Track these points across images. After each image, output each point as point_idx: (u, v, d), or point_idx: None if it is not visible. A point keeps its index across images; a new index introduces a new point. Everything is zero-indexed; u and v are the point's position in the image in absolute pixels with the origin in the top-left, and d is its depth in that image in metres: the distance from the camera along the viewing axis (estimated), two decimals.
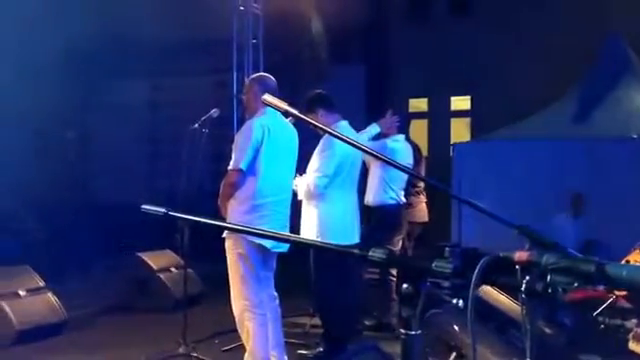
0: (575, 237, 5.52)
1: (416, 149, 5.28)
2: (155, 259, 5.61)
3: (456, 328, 2.73)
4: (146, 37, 8.98)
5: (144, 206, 1.39)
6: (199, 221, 1.39)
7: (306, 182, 3.83)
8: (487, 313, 2.94)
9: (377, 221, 4.64)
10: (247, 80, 3.86)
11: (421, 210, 5.36)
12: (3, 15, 6.39)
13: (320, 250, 3.67)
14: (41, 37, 7.18)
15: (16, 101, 6.70)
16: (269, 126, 3.41)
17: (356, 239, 3.98)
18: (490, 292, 3.17)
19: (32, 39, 7.10)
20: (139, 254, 5.61)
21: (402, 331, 1.21)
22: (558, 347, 2.67)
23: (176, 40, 8.99)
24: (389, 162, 1.50)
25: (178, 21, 8.53)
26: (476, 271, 1.10)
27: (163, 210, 1.37)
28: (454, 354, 2.73)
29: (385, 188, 4.63)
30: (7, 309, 4.37)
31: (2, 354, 4.21)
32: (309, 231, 3.82)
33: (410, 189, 5.12)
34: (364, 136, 4.39)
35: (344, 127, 3.98)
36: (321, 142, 3.91)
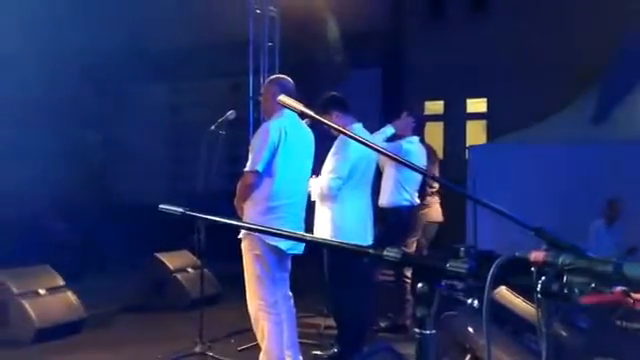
0: (609, 243, 5.44)
1: (430, 151, 5.28)
2: (172, 259, 5.68)
3: (471, 330, 2.72)
4: (165, 41, 9.10)
5: (162, 205, 1.41)
6: (216, 220, 1.41)
7: (320, 184, 3.84)
8: (503, 316, 2.92)
9: (391, 223, 4.63)
10: (265, 82, 3.89)
11: (436, 210, 5.37)
12: (29, 23, 6.54)
13: (334, 250, 3.68)
14: (64, 43, 7.31)
15: (41, 105, 6.84)
16: (286, 128, 3.43)
17: (369, 240, 3.98)
18: (506, 295, 3.15)
19: (56, 45, 7.24)
20: (157, 254, 5.68)
21: (417, 330, 1.21)
22: (574, 350, 2.65)
23: (194, 44, 9.10)
24: (404, 163, 1.51)
25: (196, 25, 8.62)
26: (492, 270, 1.10)
27: (180, 210, 1.39)
28: (469, 356, 2.72)
29: (399, 189, 4.63)
30: (27, 307, 4.44)
31: (22, 351, 4.29)
32: (323, 232, 3.84)
33: (426, 189, 5.14)
34: (379, 137, 4.39)
35: (358, 129, 3.99)
36: (335, 144, 3.93)
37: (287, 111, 3.47)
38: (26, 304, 4.46)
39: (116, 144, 10.32)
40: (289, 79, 3.69)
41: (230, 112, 4.22)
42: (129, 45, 8.48)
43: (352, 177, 3.86)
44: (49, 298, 4.62)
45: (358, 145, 3.78)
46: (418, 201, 4.84)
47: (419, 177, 4.78)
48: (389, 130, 4.49)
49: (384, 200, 4.69)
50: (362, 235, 3.89)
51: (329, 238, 3.75)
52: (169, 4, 8.42)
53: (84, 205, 8.20)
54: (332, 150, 3.92)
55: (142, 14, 8.52)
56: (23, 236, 6.67)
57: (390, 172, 4.66)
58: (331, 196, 3.83)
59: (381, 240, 4.18)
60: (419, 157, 4.73)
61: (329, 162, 3.89)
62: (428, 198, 5.23)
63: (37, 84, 6.93)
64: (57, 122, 7.45)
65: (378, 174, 4.78)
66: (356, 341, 3.92)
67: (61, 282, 4.77)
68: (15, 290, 4.50)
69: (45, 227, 7.30)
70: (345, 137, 3.82)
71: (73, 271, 5.25)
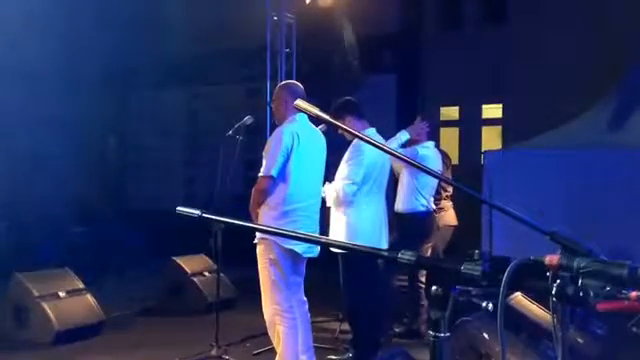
0: None
1: (444, 156, 5.31)
2: (189, 263, 5.73)
3: (486, 336, 2.71)
4: (183, 47, 9.21)
5: (179, 208, 1.43)
6: (232, 223, 1.43)
7: (334, 189, 3.86)
8: (519, 323, 2.91)
9: (407, 228, 4.63)
10: (276, 88, 3.92)
11: (451, 214, 5.42)
12: (49, 29, 6.67)
13: (349, 255, 3.70)
14: (84, 49, 7.44)
15: (60, 110, 6.96)
16: (298, 133, 3.46)
17: (384, 245, 3.98)
18: (522, 301, 3.13)
19: (75, 51, 7.37)
20: (174, 258, 5.74)
21: (431, 333, 1.22)
22: (591, 357, 2.63)
23: (212, 50, 9.21)
24: (421, 168, 1.52)
25: (213, 31, 8.73)
26: (507, 272, 1.11)
27: (197, 212, 1.41)
28: None
29: (416, 195, 4.63)
30: (47, 310, 4.51)
31: (42, 353, 4.35)
32: (338, 237, 3.85)
33: (441, 193, 5.16)
34: (394, 143, 4.39)
35: (372, 134, 3.99)
36: (349, 150, 3.94)
37: (299, 115, 3.51)
38: (46, 307, 4.52)
39: (134, 148, 10.47)
40: (299, 84, 3.72)
41: (247, 117, 4.27)
42: (148, 51, 8.61)
43: (366, 182, 3.86)
44: (69, 301, 4.68)
45: (372, 150, 3.81)
46: (434, 206, 4.84)
47: (435, 182, 4.77)
48: (404, 136, 4.49)
49: (400, 205, 4.69)
50: (377, 240, 3.90)
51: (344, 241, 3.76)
52: (187, 11, 8.54)
53: (103, 209, 8.32)
54: (346, 156, 3.94)
55: (161, 20, 8.65)
56: (43, 240, 6.79)
57: (406, 178, 4.66)
58: (346, 202, 3.84)
59: (397, 245, 4.18)
60: (435, 162, 4.73)
61: (343, 168, 3.91)
62: (443, 202, 5.27)
63: (56, 90, 7.06)
64: (76, 127, 7.58)
65: (394, 180, 4.79)
66: (371, 346, 3.92)
67: (81, 285, 4.83)
68: (35, 293, 4.56)
69: (64, 231, 7.41)
70: (359, 143, 3.84)
71: (92, 274, 5.32)
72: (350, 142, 3.95)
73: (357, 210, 3.85)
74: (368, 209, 3.89)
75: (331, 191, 3.87)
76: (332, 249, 3.45)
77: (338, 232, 3.87)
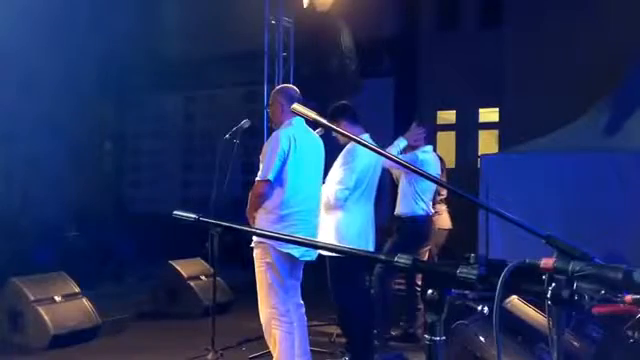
0: None
1: (440, 160, 5.33)
2: (186, 267, 5.72)
3: (482, 339, 2.71)
4: (180, 50, 9.22)
5: (176, 212, 1.42)
6: (228, 227, 1.43)
7: (326, 193, 3.86)
8: (515, 326, 2.92)
9: (406, 231, 4.64)
10: (272, 92, 3.92)
11: (446, 217, 5.44)
12: (43, 33, 6.67)
13: (336, 258, 3.70)
14: (80, 52, 7.44)
15: (55, 114, 6.95)
16: (295, 137, 3.46)
17: (371, 249, 3.99)
18: (518, 305, 3.14)
19: (71, 54, 7.37)
20: (171, 262, 5.73)
21: (426, 337, 1.23)
22: None
23: (209, 53, 9.22)
24: (422, 174, 1.53)
25: (211, 35, 8.74)
26: (502, 276, 1.11)
27: (194, 216, 1.41)
28: None
29: (416, 199, 4.65)
30: (43, 314, 4.49)
31: (37, 358, 4.34)
32: (327, 240, 3.84)
33: (436, 196, 5.19)
34: (393, 150, 4.40)
35: (366, 140, 3.98)
36: (342, 154, 3.94)
37: (296, 119, 3.51)
38: (42, 311, 4.50)
39: (131, 152, 10.47)
40: (295, 88, 3.73)
41: (244, 121, 4.27)
42: (144, 54, 8.62)
43: (358, 187, 3.87)
44: (64, 305, 4.66)
45: (365, 156, 3.82)
46: (433, 211, 4.87)
47: (434, 187, 4.80)
48: (402, 142, 4.51)
49: (400, 209, 4.70)
50: (364, 245, 3.89)
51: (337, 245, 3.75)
52: (185, 14, 8.55)
53: (99, 213, 8.30)
54: (339, 160, 3.94)
55: (158, 23, 8.66)
56: (39, 244, 6.77)
57: (406, 182, 4.68)
58: (338, 206, 3.84)
59: (396, 248, 4.19)
60: (434, 166, 4.76)
61: (336, 172, 3.91)
62: (437, 205, 5.29)
63: (52, 93, 7.05)
64: (72, 130, 7.57)
65: (393, 185, 4.80)
66: (365, 349, 3.91)
67: (76, 289, 4.81)
68: (31, 297, 4.54)
69: (60, 235, 7.39)
70: (353, 147, 3.86)
71: (88, 278, 5.31)
72: (344, 146, 3.96)
73: (346, 215, 3.86)
74: (357, 214, 3.89)
75: (322, 195, 3.86)
76: (321, 252, 3.45)
77: (327, 236, 3.87)
